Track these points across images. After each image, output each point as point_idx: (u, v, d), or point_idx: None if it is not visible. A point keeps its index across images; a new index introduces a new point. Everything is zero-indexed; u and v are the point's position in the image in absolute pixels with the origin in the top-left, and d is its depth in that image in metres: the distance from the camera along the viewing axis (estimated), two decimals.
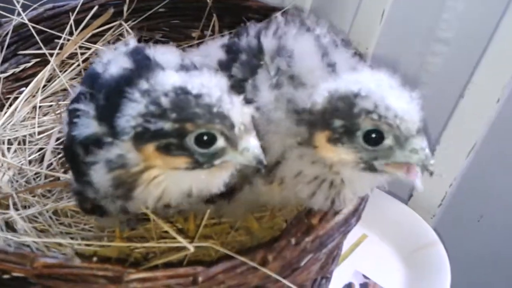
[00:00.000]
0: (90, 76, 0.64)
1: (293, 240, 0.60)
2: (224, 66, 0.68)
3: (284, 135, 0.61)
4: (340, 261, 0.98)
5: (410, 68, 1.06)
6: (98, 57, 0.68)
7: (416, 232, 1.05)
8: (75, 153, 0.61)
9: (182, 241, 0.58)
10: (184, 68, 0.61)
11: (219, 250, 0.61)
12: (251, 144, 0.54)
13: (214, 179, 0.58)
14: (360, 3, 1.06)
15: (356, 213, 0.71)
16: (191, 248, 0.57)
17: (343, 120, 0.56)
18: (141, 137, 0.54)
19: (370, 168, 0.58)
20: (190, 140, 0.53)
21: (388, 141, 0.56)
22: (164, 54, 0.64)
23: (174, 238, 0.62)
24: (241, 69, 0.67)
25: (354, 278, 0.98)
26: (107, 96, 0.58)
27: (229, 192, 0.71)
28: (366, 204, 0.75)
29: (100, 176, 0.59)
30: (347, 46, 0.72)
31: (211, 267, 0.56)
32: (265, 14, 1.05)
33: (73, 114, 0.61)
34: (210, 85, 0.54)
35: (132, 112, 0.54)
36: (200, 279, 0.55)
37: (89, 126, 0.59)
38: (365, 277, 0.99)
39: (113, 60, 0.62)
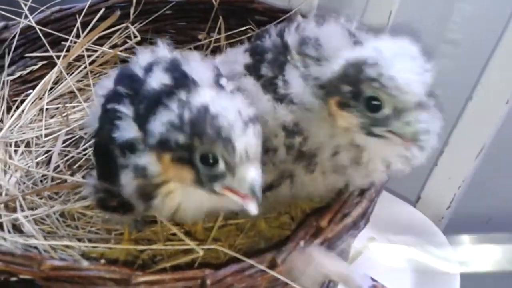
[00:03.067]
0: (129, 77, 0.65)
1: (301, 243, 0.59)
2: (252, 69, 0.69)
3: (317, 118, 0.63)
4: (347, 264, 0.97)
5: None
6: (135, 57, 0.68)
7: (425, 235, 1.04)
8: (112, 153, 0.62)
9: (191, 244, 0.57)
10: (218, 85, 0.62)
11: (227, 253, 0.60)
12: (249, 174, 0.54)
13: (223, 201, 0.58)
14: (367, 4, 1.06)
15: (365, 216, 0.70)
16: (200, 251, 0.57)
17: (350, 85, 0.58)
18: (163, 146, 0.55)
19: (371, 133, 0.60)
20: (197, 157, 0.54)
21: (386, 110, 0.57)
22: (199, 69, 0.64)
23: (181, 240, 0.61)
24: (270, 68, 0.68)
25: (362, 281, 0.97)
26: (147, 107, 0.59)
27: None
28: (374, 207, 0.75)
29: (127, 180, 0.60)
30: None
31: (219, 270, 0.55)
32: (271, 16, 1.05)
33: (112, 114, 0.62)
34: (231, 108, 0.54)
35: (163, 119, 0.55)
36: (208, 282, 0.54)
37: (130, 130, 0.60)
38: (373, 280, 0.98)
39: (153, 72, 0.63)
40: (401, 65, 0.56)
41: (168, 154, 0.55)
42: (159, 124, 0.56)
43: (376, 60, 0.57)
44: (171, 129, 0.55)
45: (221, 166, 0.54)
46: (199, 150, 0.54)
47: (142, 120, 0.59)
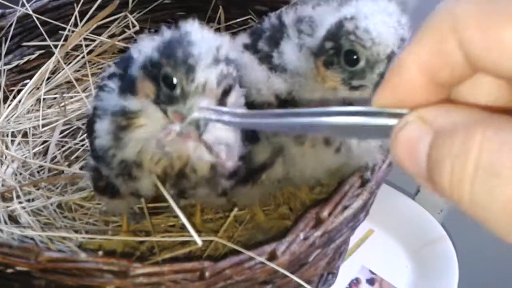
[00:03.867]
0: (125, 59, 0.65)
1: (301, 235, 0.59)
2: (250, 47, 0.71)
3: (310, 84, 0.64)
4: (346, 257, 0.97)
5: None
6: (137, 43, 0.69)
7: (424, 228, 1.03)
8: (91, 124, 0.63)
9: (193, 234, 0.56)
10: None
11: (226, 245, 0.60)
12: (200, 103, 0.53)
13: (184, 142, 0.57)
14: None
15: (365, 208, 0.70)
16: (199, 242, 0.56)
17: (332, 41, 0.60)
18: (143, 74, 0.57)
19: (352, 87, 0.61)
20: (161, 76, 0.55)
21: (362, 63, 0.59)
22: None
23: (178, 232, 0.61)
24: (266, 43, 0.69)
25: (360, 274, 0.97)
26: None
27: (256, 170, 0.72)
28: (374, 199, 0.74)
29: (103, 126, 0.61)
30: None
31: (218, 262, 0.55)
32: (271, 6, 1.04)
33: (101, 89, 0.64)
34: (209, 41, 0.55)
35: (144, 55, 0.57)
36: (207, 274, 0.54)
37: (112, 101, 0.60)
38: (371, 272, 0.98)
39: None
40: (376, 19, 0.58)
41: (146, 77, 0.56)
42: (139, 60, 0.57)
43: (353, 15, 0.59)
44: (152, 52, 0.56)
45: (178, 90, 0.54)
46: (163, 70, 0.54)
47: (124, 84, 0.60)
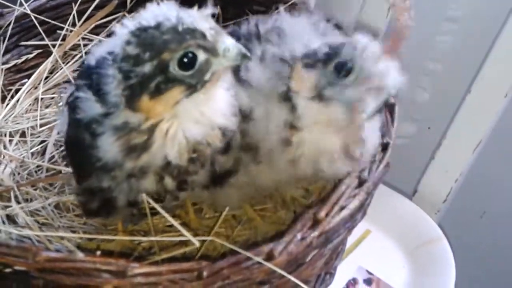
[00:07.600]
0: (85, 70, 0.66)
1: (299, 235, 0.59)
2: None
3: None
4: (344, 257, 0.97)
5: (416, 60, 1.05)
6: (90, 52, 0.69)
7: (420, 228, 1.04)
8: (80, 140, 0.62)
9: (187, 235, 0.57)
10: None
11: (224, 245, 0.60)
12: (229, 43, 0.55)
13: (214, 99, 0.59)
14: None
15: (362, 208, 0.70)
16: (196, 242, 0.56)
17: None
18: (131, 97, 0.56)
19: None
20: (174, 69, 0.54)
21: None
22: None
23: (177, 231, 0.61)
24: None
25: (358, 274, 0.98)
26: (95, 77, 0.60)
27: (221, 176, 0.72)
28: (371, 200, 0.74)
29: (108, 145, 0.60)
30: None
31: (216, 262, 0.55)
32: (269, 6, 1.04)
33: (74, 103, 0.62)
34: (164, 12, 0.56)
35: (112, 86, 0.56)
36: (204, 274, 0.54)
37: (92, 108, 0.60)
38: (368, 272, 0.98)
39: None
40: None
41: (144, 96, 0.55)
42: (112, 91, 0.57)
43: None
44: (130, 74, 0.55)
45: (201, 56, 0.54)
46: (173, 60, 0.54)
47: (98, 93, 0.59)
